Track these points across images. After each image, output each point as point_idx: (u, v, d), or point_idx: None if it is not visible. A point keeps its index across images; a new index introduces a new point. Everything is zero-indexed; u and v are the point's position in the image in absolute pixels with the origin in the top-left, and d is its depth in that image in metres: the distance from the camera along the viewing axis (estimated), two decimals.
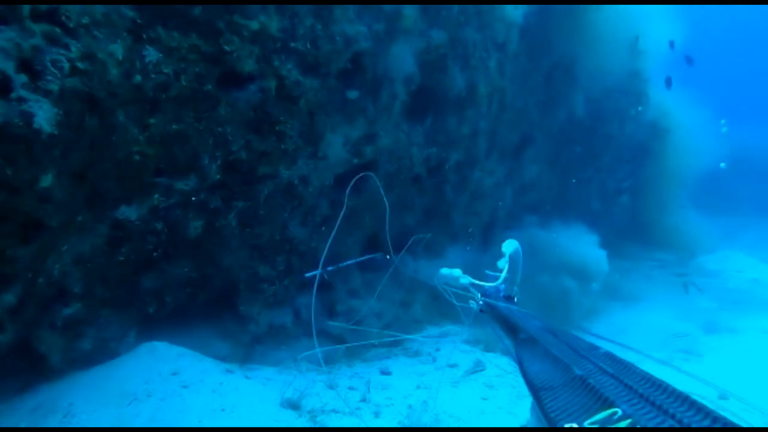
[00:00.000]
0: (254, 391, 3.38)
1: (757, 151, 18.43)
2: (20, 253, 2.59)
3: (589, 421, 0.93)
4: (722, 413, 0.85)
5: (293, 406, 3.39)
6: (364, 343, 4.68)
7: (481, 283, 2.35)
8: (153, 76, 3.13)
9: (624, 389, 1.04)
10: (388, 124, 5.29)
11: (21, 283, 2.70)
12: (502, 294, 2.35)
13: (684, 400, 0.94)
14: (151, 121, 3.24)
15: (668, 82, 10.76)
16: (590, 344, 1.43)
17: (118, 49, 2.82)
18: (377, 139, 5.22)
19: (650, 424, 0.88)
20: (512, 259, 2.32)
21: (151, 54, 3.06)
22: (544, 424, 1.06)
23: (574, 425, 0.93)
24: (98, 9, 2.64)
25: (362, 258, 5.82)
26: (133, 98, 3.05)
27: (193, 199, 3.87)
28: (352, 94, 4.54)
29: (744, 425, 0.84)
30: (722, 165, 12.11)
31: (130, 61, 2.92)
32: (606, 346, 1.38)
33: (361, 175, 4.54)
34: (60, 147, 2.55)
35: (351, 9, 4.23)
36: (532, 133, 8.67)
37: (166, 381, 3.06)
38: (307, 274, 4.87)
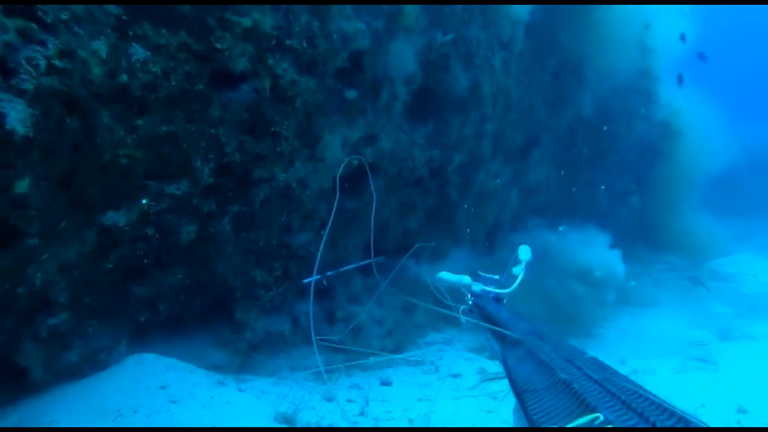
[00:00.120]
0: (247, 405, 3.23)
1: None
2: None
3: (570, 426, 0.94)
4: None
5: (288, 420, 3.23)
6: (360, 350, 4.50)
7: (496, 290, 2.29)
8: (140, 75, 2.99)
9: (607, 395, 1.04)
10: (389, 125, 5.13)
11: None
12: (491, 296, 2.31)
13: (665, 409, 0.95)
14: (139, 122, 3.10)
15: (680, 79, 10.51)
16: (576, 349, 1.43)
17: (101, 47, 2.68)
18: (378, 140, 5.06)
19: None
20: (511, 264, 2.29)
21: (138, 52, 2.92)
22: (526, 425, 1.07)
23: None
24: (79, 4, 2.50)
25: (363, 262, 5.66)
26: (119, 98, 2.91)
27: (194, 201, 3.74)
28: (351, 94, 4.39)
29: None
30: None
31: (114, 59, 2.79)
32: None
33: (349, 159, 4.35)
34: (38, 150, 2.41)
35: (349, 5, 4.08)
36: (538, 134, 8.47)
37: (154, 395, 2.92)
38: (305, 280, 4.71)
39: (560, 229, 7.65)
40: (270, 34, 3.60)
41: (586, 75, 8.94)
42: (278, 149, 4.05)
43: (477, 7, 5.78)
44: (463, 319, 2.33)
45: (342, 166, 4.13)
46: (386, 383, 4.29)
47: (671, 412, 0.93)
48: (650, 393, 1.04)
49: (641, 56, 9.76)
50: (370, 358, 5.28)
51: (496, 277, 2.40)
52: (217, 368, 4.40)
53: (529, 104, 7.80)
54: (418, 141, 5.61)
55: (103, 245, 3.29)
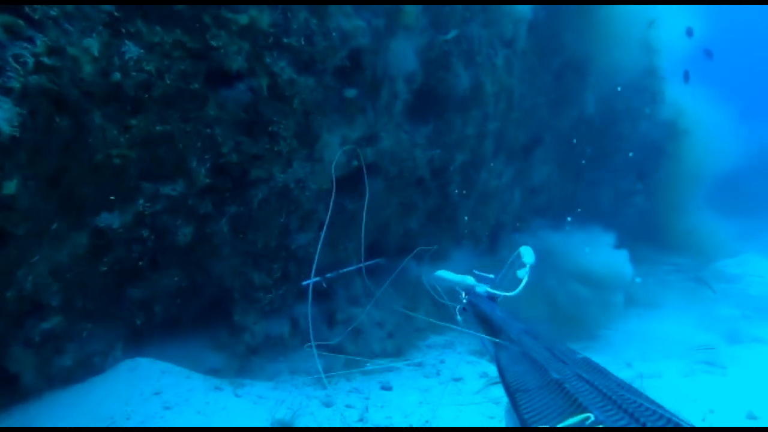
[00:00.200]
0: (243, 410, 3.15)
1: None
2: None
3: (561, 425, 0.94)
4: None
5: (285, 426, 3.16)
6: (362, 359, 4.41)
7: (502, 293, 2.29)
8: (134, 73, 2.92)
9: (598, 395, 1.04)
10: (390, 124, 5.05)
11: None
12: (486, 295, 2.31)
13: (655, 410, 0.95)
14: (133, 122, 3.04)
15: (686, 76, 10.36)
16: (569, 349, 1.43)
17: (93, 44, 2.62)
18: (378, 140, 4.99)
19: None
20: (510, 264, 2.30)
21: (132, 50, 2.86)
22: (518, 425, 1.06)
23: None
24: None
25: (363, 264, 5.58)
26: (112, 98, 2.85)
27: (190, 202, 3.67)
28: (350, 93, 4.32)
29: None
30: None
31: (107, 57, 2.72)
32: None
33: (345, 148, 4.24)
34: (25, 150, 2.35)
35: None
36: (541, 134, 8.38)
37: (148, 401, 2.85)
38: (304, 282, 4.64)
39: (568, 219, 7.51)
40: (267, 31, 3.53)
41: (590, 74, 8.84)
42: (276, 149, 3.98)
43: (478, 5, 5.70)
44: (459, 318, 2.33)
45: (336, 157, 4.01)
46: (386, 388, 4.21)
47: (661, 413, 0.93)
48: (640, 394, 1.04)
49: (646, 55, 9.64)
50: (372, 361, 5.20)
51: (491, 276, 2.38)
52: (214, 372, 4.33)
53: (532, 103, 7.71)
54: (419, 141, 5.53)
55: (96, 247, 3.22)
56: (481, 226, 7.17)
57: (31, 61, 2.23)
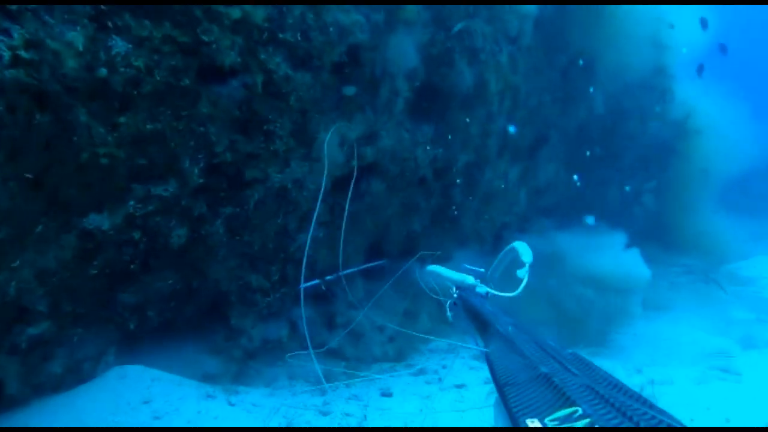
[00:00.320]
0: (236, 420, 3.03)
1: None
2: None
3: (549, 418, 0.94)
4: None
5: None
6: (361, 374, 4.26)
7: (502, 294, 2.27)
8: (122, 69, 2.82)
9: (586, 389, 1.05)
10: (390, 123, 4.91)
11: None
12: (486, 295, 2.32)
13: (643, 403, 0.98)
14: (121, 120, 2.93)
15: (700, 70, 10.10)
16: (557, 344, 1.44)
17: (78, 38, 2.51)
18: (378, 139, 4.86)
19: (608, 425, 0.89)
20: (502, 257, 2.33)
21: (119, 45, 2.75)
22: (507, 419, 1.06)
23: (536, 421, 0.94)
24: None
25: (363, 266, 5.45)
26: (98, 94, 2.74)
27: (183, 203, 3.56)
28: (349, 91, 4.19)
29: None
30: None
31: (92, 52, 2.62)
32: None
33: (332, 130, 4.07)
34: (4, 148, 2.24)
35: None
36: (547, 133, 8.20)
37: (136, 411, 2.74)
38: (302, 285, 4.51)
39: (587, 220, 7.30)
40: (261, 26, 3.41)
41: (598, 72, 8.65)
42: (272, 148, 3.86)
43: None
44: (449, 314, 2.35)
45: (326, 142, 3.85)
46: (386, 394, 4.08)
47: (648, 407, 0.94)
48: (628, 388, 1.05)
49: (655, 52, 9.42)
50: (372, 366, 5.07)
51: (482, 270, 2.35)
52: (210, 378, 4.23)
53: (538, 101, 7.54)
54: (420, 140, 5.39)
55: (85, 250, 3.12)
56: (485, 227, 7.01)
57: (7, 54, 2.13)
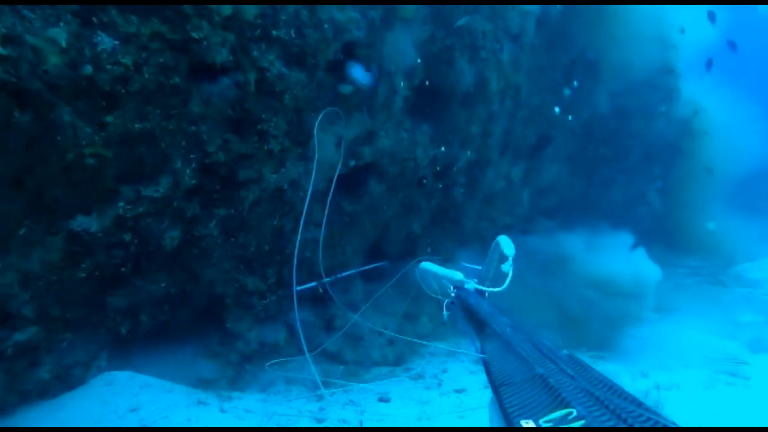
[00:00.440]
0: (228, 427, 2.94)
1: None
2: None
3: (544, 419, 0.94)
4: None
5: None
6: (355, 384, 4.15)
7: (490, 289, 2.27)
8: (108, 67, 2.74)
9: (581, 391, 1.05)
10: (389, 122, 4.82)
11: None
12: (473, 289, 2.32)
13: (638, 405, 0.97)
14: (108, 119, 2.85)
15: (709, 64, 9.91)
16: (554, 344, 1.43)
17: (60, 34, 2.44)
18: (377, 139, 4.76)
19: (603, 426, 0.90)
20: (491, 255, 2.32)
21: (105, 41, 2.67)
22: (502, 419, 1.07)
23: (530, 422, 0.94)
24: None
25: (363, 268, 5.35)
26: (84, 92, 2.66)
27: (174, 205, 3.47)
28: (345, 89, 4.10)
29: None
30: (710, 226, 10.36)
31: (77, 48, 2.54)
32: None
33: (322, 115, 3.91)
34: None
35: None
36: (550, 132, 8.08)
37: (123, 420, 2.65)
38: (299, 287, 4.42)
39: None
40: (254, 23, 3.33)
41: (602, 71, 8.52)
42: (266, 148, 3.77)
43: None
44: (446, 313, 2.33)
45: (317, 130, 3.73)
46: (384, 399, 3.97)
47: (642, 410, 0.94)
48: (623, 390, 1.05)
49: (661, 51, 9.27)
50: (371, 370, 4.97)
51: (478, 267, 2.37)
52: (205, 382, 4.15)
53: (541, 101, 7.42)
54: (420, 139, 5.30)
55: (73, 253, 3.04)
56: (487, 228, 6.90)
57: None
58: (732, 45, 10.74)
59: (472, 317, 2.02)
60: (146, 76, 2.93)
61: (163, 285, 3.80)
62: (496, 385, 1.21)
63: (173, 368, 4.27)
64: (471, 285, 2.21)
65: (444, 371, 4.63)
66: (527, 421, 0.95)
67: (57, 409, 2.64)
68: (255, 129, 3.65)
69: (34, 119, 2.37)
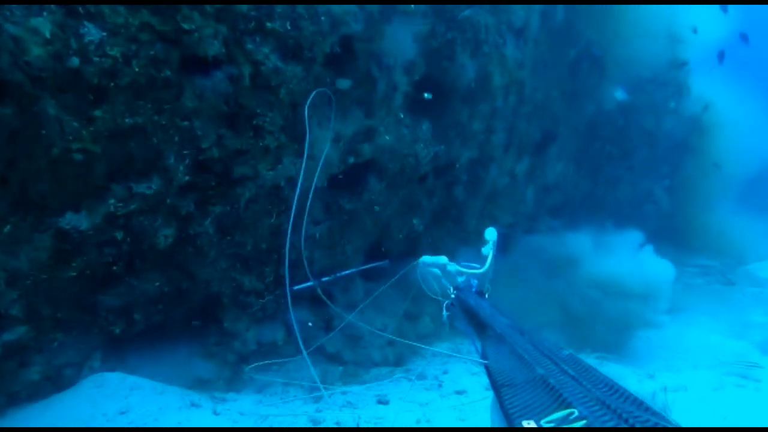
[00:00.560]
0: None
1: None
2: None
3: (545, 420, 0.95)
4: None
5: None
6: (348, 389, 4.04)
7: (468, 271, 2.30)
8: (96, 59, 2.66)
9: (582, 391, 1.06)
10: (389, 118, 4.72)
11: None
12: (474, 290, 2.32)
13: (639, 405, 0.98)
14: (97, 113, 2.78)
15: (721, 56, 9.70)
16: (554, 345, 1.43)
17: (44, 24, 2.37)
18: (376, 135, 4.66)
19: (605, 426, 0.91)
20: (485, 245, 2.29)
21: (92, 32, 2.60)
22: (503, 420, 1.07)
23: (532, 422, 0.94)
24: None
25: (362, 267, 5.26)
26: (70, 85, 2.59)
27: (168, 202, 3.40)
28: (343, 84, 4.00)
29: None
30: None
31: (62, 40, 2.46)
32: None
33: (312, 95, 3.75)
34: None
35: None
36: (555, 129, 7.94)
37: (112, 423, 2.59)
38: (296, 287, 4.33)
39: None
40: (247, 14, 3.24)
41: (608, 66, 8.35)
42: (262, 144, 3.69)
43: None
44: (445, 313, 2.32)
45: (307, 111, 3.60)
46: (383, 401, 3.88)
47: (644, 409, 0.94)
48: (625, 390, 1.05)
49: (670, 45, 9.07)
50: (371, 371, 4.88)
51: (476, 266, 2.35)
52: (202, 383, 4.08)
53: (546, 96, 7.28)
54: (421, 136, 5.19)
55: (62, 251, 2.97)
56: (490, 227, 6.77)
57: None
58: (744, 37, 10.51)
59: (472, 318, 2.00)
60: (136, 69, 2.85)
61: (157, 284, 3.73)
62: (497, 386, 1.21)
63: (169, 368, 4.20)
64: (453, 267, 2.22)
65: (445, 372, 4.53)
66: (528, 421, 0.95)
67: (45, 411, 2.58)
68: (250, 124, 3.57)
69: (16, 112, 2.30)
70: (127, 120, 2.95)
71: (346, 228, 5.03)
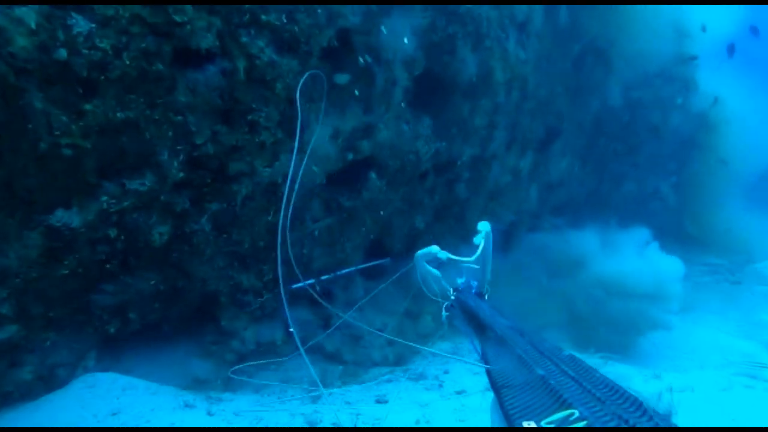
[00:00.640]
0: None
1: None
2: None
3: (546, 421, 0.95)
4: None
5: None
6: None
7: (459, 258, 2.29)
8: (85, 51, 2.60)
9: (583, 392, 1.06)
10: (388, 114, 4.63)
11: None
12: (474, 291, 2.33)
13: (639, 406, 0.97)
14: (87, 107, 2.72)
15: (731, 50, 9.51)
16: (554, 345, 1.43)
17: (29, 15, 2.31)
18: (375, 131, 4.58)
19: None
20: (484, 249, 2.28)
21: (80, 24, 2.53)
22: (503, 421, 1.07)
23: (532, 423, 0.95)
24: None
25: (363, 266, 5.18)
26: (58, 78, 2.53)
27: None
28: (341, 79, 3.92)
29: None
30: None
31: (48, 31, 2.40)
32: None
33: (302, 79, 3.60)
34: None
35: None
36: (559, 125, 7.81)
37: (102, 424, 2.53)
38: (293, 286, 4.26)
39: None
40: (241, 7, 3.16)
41: (613, 61, 8.21)
42: (257, 140, 3.62)
43: None
44: (444, 314, 2.30)
45: (298, 93, 3.47)
46: (382, 401, 3.81)
47: (644, 410, 0.94)
48: (625, 390, 1.05)
49: (677, 40, 8.90)
50: (370, 370, 4.81)
51: (477, 267, 2.34)
52: (199, 383, 4.02)
53: (549, 92, 7.16)
54: (422, 132, 5.10)
55: (53, 249, 2.92)
56: (494, 225, 6.67)
57: None
58: (755, 30, 10.30)
59: (472, 320, 2.00)
60: (127, 62, 2.79)
61: (152, 282, 3.67)
62: (497, 387, 1.21)
63: (166, 368, 4.15)
64: (444, 255, 2.22)
65: (445, 372, 4.45)
66: (529, 422, 0.95)
67: (34, 412, 2.52)
68: (245, 120, 3.50)
69: (0, 105, 2.24)
70: (118, 114, 2.89)
71: (345, 226, 4.95)
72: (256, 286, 4.44)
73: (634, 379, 4.84)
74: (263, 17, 3.31)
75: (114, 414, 2.64)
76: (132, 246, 3.39)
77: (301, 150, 4.13)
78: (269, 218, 4.18)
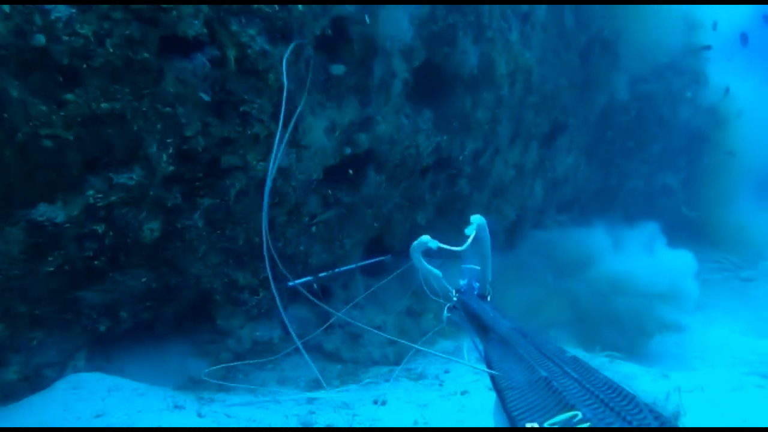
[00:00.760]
0: None
1: None
2: None
3: (549, 422, 0.95)
4: None
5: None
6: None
7: (451, 247, 2.25)
8: (65, 38, 2.49)
9: (586, 393, 1.06)
10: (387, 107, 4.50)
11: None
12: (476, 292, 2.33)
13: (643, 407, 0.97)
14: (69, 96, 2.61)
15: (744, 39, 9.30)
16: (557, 347, 1.42)
17: None
18: (374, 124, 4.45)
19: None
20: (481, 243, 2.28)
21: (59, 9, 2.43)
22: (506, 422, 1.07)
23: (535, 425, 0.95)
24: None
25: (363, 263, 5.06)
26: (36, 65, 2.43)
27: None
28: (337, 70, 3.79)
29: None
30: None
31: (23, 14, 2.30)
32: None
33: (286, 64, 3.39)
34: None
35: None
36: (565, 120, 7.63)
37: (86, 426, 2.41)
38: (290, 283, 4.15)
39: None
40: None
41: (621, 53, 8.01)
42: (250, 132, 3.50)
43: None
44: (446, 315, 2.30)
45: (285, 64, 3.31)
46: (380, 402, 3.67)
47: (648, 411, 0.94)
48: (629, 392, 1.04)
49: (687, 31, 8.67)
50: (369, 370, 4.69)
51: (477, 268, 2.35)
52: (194, 383, 3.93)
53: (555, 85, 6.99)
54: (422, 126, 4.96)
55: (36, 245, 2.82)
56: (497, 222, 6.52)
57: None
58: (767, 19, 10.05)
59: (474, 321, 2.00)
60: (110, 49, 2.68)
61: (144, 280, 3.57)
62: (500, 389, 1.21)
63: (160, 368, 4.06)
64: (434, 243, 2.20)
65: (446, 371, 4.31)
66: (532, 423, 0.95)
67: (13, 416, 2.42)
68: (237, 111, 3.38)
69: None
70: (103, 105, 2.78)
71: (344, 222, 4.84)
72: (251, 284, 4.34)
73: (641, 378, 4.68)
74: (254, 5, 3.19)
75: (98, 416, 2.54)
76: (121, 242, 3.29)
77: (297, 145, 4.03)
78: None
